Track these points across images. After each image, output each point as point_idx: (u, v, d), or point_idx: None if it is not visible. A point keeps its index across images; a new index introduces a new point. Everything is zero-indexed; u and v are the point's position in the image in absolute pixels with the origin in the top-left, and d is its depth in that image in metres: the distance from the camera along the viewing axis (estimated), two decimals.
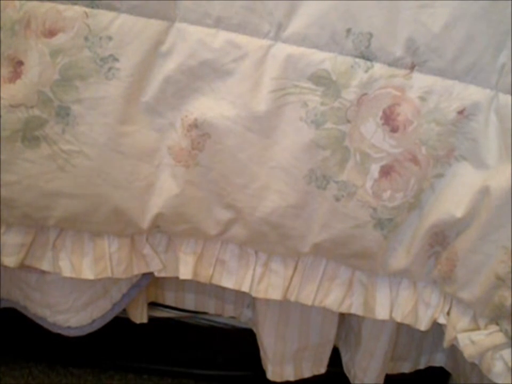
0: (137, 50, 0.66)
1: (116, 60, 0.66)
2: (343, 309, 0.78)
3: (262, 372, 0.98)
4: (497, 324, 0.72)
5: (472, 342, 0.73)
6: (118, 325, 0.96)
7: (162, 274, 0.80)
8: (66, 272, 0.77)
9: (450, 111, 0.67)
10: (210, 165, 0.69)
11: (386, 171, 0.68)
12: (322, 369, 0.99)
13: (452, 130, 0.67)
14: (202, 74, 0.67)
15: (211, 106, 0.68)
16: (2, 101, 0.67)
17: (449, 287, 0.73)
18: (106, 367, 1.11)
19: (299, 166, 0.68)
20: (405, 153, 0.67)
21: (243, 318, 1.01)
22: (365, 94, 0.66)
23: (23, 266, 0.77)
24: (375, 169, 0.68)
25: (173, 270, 0.79)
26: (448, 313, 0.76)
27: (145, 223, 0.72)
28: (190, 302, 1.01)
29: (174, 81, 0.67)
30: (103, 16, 0.66)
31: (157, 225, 0.73)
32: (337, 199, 0.69)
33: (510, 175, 0.65)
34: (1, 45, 0.66)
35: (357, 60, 0.66)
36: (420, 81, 0.67)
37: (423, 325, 0.77)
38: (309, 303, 0.78)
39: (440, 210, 0.69)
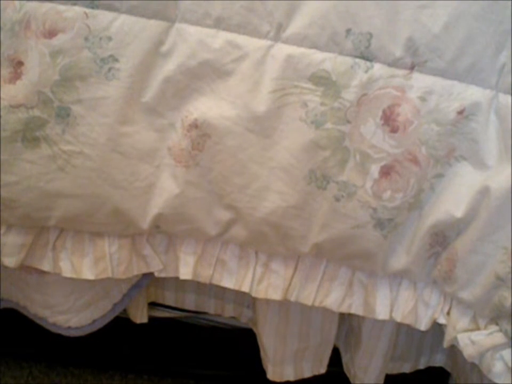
0: (137, 51, 0.66)
1: (116, 60, 0.66)
2: (343, 309, 0.78)
3: (262, 372, 0.98)
4: (497, 324, 0.73)
5: (472, 342, 0.73)
6: (118, 325, 0.97)
7: (163, 275, 0.80)
8: (67, 272, 0.77)
9: (450, 111, 0.67)
10: (210, 165, 0.69)
11: (386, 171, 0.68)
12: (322, 369, 0.99)
13: (452, 131, 0.67)
14: (202, 74, 0.67)
15: (211, 107, 0.68)
16: (2, 102, 0.67)
17: (449, 287, 0.73)
18: (106, 367, 1.11)
19: (299, 166, 0.68)
20: (405, 154, 0.67)
21: (243, 318, 1.01)
22: (365, 94, 0.67)
23: (23, 267, 0.77)
24: (375, 169, 0.68)
25: (173, 270, 0.79)
26: (448, 313, 0.76)
27: (146, 224, 0.72)
28: (190, 302, 1.01)
29: (174, 81, 0.67)
30: (103, 17, 0.66)
31: (157, 226, 0.73)
32: (337, 199, 0.69)
33: (510, 176, 0.65)
34: (1, 45, 0.66)
35: (357, 60, 0.66)
36: (420, 81, 0.67)
37: (423, 325, 0.77)
38: (309, 303, 0.78)
39: (440, 210, 0.69)
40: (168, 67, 0.67)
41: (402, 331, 0.96)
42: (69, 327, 0.90)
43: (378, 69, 0.66)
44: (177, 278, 0.78)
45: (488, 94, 0.67)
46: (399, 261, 0.73)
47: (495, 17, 0.66)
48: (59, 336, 0.91)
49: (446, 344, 0.77)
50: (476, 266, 0.69)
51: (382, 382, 0.98)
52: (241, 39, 0.67)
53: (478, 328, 0.73)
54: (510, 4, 0.66)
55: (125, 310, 0.95)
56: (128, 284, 0.89)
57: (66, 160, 0.69)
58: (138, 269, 0.79)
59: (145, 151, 0.69)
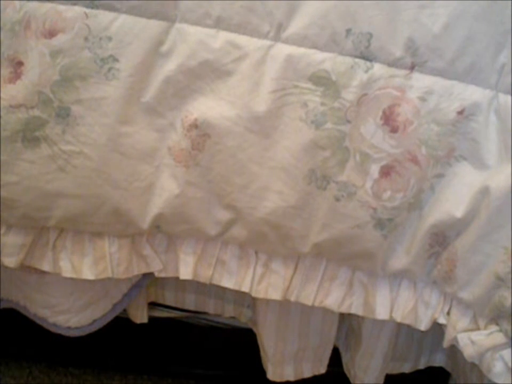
0: (137, 51, 0.66)
1: (116, 60, 0.66)
2: (343, 309, 0.78)
3: (262, 372, 0.98)
4: (497, 324, 0.72)
5: (472, 342, 0.73)
6: (118, 325, 0.97)
7: (163, 275, 0.80)
8: (67, 272, 0.77)
9: (450, 111, 0.67)
10: (210, 165, 0.69)
11: (386, 171, 0.68)
12: (322, 369, 0.99)
13: (452, 131, 0.67)
14: (202, 74, 0.67)
15: (211, 107, 0.68)
16: (2, 102, 0.67)
17: (449, 287, 0.73)
18: (106, 367, 1.11)
19: (299, 166, 0.68)
20: (405, 154, 0.67)
21: (243, 318, 1.01)
22: (365, 94, 0.67)
23: (23, 267, 0.77)
24: (375, 169, 0.68)
25: (173, 270, 0.79)
26: (448, 313, 0.76)
27: (146, 224, 0.72)
28: (190, 302, 1.01)
29: (174, 81, 0.67)
30: (103, 17, 0.66)
31: (157, 226, 0.73)
32: (337, 199, 0.69)
33: (510, 175, 0.65)
34: (1, 45, 0.66)
35: (357, 60, 0.66)
36: (420, 81, 0.67)
37: (423, 325, 0.77)
38: (309, 303, 0.78)
39: (440, 210, 0.69)
40: (168, 67, 0.67)
41: (402, 331, 0.96)
42: (69, 327, 0.90)
43: (378, 69, 0.66)
44: (177, 278, 0.78)
45: (488, 94, 0.67)
46: (399, 261, 0.72)
47: (495, 17, 0.66)
48: (59, 336, 0.91)
49: (446, 344, 0.77)
50: (476, 266, 0.69)
51: (382, 382, 0.98)
52: (241, 39, 0.67)
53: (478, 328, 0.73)
54: (510, 4, 0.66)
55: (125, 310, 0.95)
56: (128, 284, 0.89)
57: (66, 160, 0.69)
58: (138, 269, 0.79)
59: (145, 151, 0.69)
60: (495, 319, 0.72)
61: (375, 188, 0.68)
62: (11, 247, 0.74)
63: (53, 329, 0.91)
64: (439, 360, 1.01)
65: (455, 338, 0.75)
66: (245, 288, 0.78)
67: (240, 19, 0.66)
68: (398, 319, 0.77)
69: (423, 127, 0.67)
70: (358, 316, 0.81)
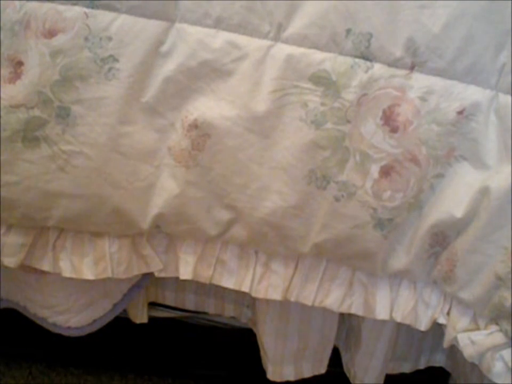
0: (137, 51, 0.66)
1: (116, 60, 0.66)
2: (343, 309, 0.78)
3: (262, 372, 0.98)
4: (497, 324, 0.73)
5: (472, 342, 0.73)
6: (118, 325, 0.97)
7: (163, 275, 0.80)
8: (67, 272, 0.77)
9: (450, 111, 0.67)
10: (210, 165, 0.69)
11: (386, 171, 0.68)
12: (322, 369, 0.99)
13: (452, 131, 0.67)
14: (202, 74, 0.67)
15: (211, 107, 0.68)
16: (2, 102, 0.66)
17: (449, 287, 0.73)
18: (106, 367, 1.11)
19: (299, 166, 0.68)
20: (405, 154, 0.67)
21: (243, 318, 1.02)
22: (365, 94, 0.67)
23: (23, 267, 0.77)
24: (375, 169, 0.68)
25: (173, 270, 0.79)
26: (448, 313, 0.76)
27: (146, 223, 0.72)
28: (190, 302, 1.01)
29: (174, 81, 0.67)
30: (103, 17, 0.66)
31: (157, 226, 0.73)
32: (337, 200, 0.69)
33: (510, 175, 0.66)
34: (1, 45, 0.66)
35: (357, 60, 0.66)
36: (420, 81, 0.67)
37: (423, 325, 0.77)
38: (309, 303, 0.78)
39: (440, 210, 0.69)
40: (168, 67, 0.67)
41: (402, 331, 0.96)
42: (69, 327, 0.90)
43: (378, 69, 0.66)
44: (177, 278, 0.78)
45: (488, 94, 0.67)
46: (399, 261, 0.73)
47: (495, 17, 0.66)
48: (59, 336, 0.91)
49: (446, 344, 0.77)
50: (475, 266, 0.69)
51: (382, 382, 0.98)
52: (241, 39, 0.67)
53: (478, 328, 0.73)
54: (510, 4, 0.66)
55: (125, 310, 0.95)
56: (128, 284, 0.89)
57: (66, 160, 0.69)
58: (138, 269, 0.79)
59: (145, 151, 0.69)
60: (495, 319, 0.72)
61: (375, 187, 0.68)
62: (11, 247, 0.74)
63: (53, 329, 0.91)
64: (439, 360, 1.01)
65: (455, 338, 0.75)
66: (245, 288, 0.78)
67: (240, 19, 0.66)
68: (398, 319, 0.77)
69: (423, 127, 0.67)
70: (358, 316, 0.81)
